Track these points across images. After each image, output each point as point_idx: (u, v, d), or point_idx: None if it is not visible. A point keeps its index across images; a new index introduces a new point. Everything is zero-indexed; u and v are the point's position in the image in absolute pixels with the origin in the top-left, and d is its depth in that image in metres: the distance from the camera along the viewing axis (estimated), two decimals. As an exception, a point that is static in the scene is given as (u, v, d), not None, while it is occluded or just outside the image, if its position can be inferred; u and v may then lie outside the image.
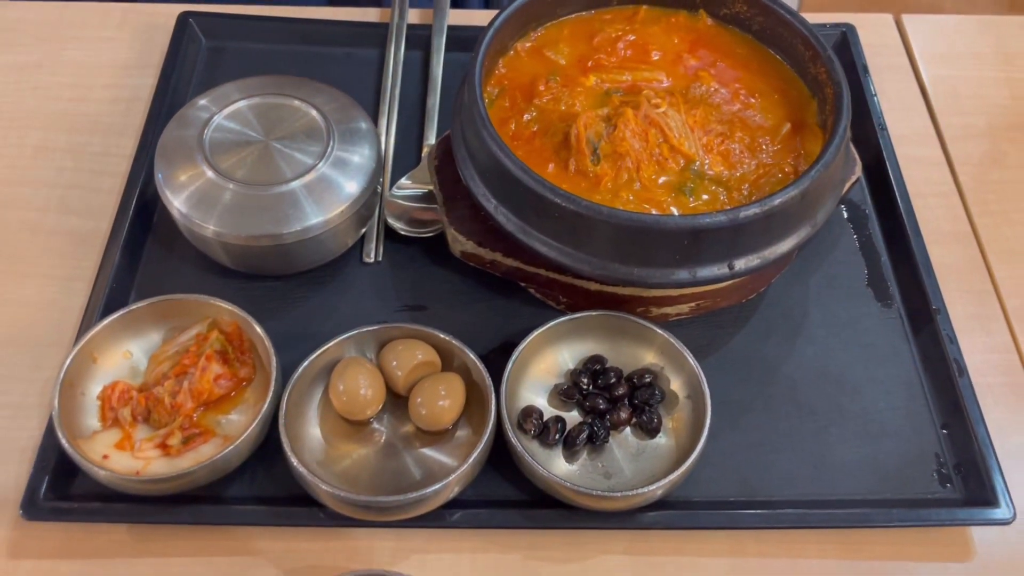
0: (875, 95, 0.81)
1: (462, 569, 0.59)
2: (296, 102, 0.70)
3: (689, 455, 0.59)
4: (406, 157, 0.79)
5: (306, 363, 0.61)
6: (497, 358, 0.63)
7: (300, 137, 0.68)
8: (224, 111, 0.68)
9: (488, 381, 0.61)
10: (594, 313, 0.65)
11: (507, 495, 0.61)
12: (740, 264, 0.62)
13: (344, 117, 0.70)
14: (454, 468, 0.57)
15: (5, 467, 0.62)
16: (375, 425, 0.63)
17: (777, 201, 0.60)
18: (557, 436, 0.62)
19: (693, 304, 0.68)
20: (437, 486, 0.56)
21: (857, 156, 0.73)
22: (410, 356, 0.63)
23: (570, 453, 0.62)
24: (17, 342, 0.68)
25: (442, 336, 0.63)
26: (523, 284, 0.71)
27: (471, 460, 0.57)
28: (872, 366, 0.68)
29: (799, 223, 0.63)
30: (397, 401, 0.64)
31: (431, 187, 0.73)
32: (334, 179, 0.67)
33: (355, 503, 0.56)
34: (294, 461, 0.57)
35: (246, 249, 0.66)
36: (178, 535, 0.60)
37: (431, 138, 0.79)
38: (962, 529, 0.61)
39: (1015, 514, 0.59)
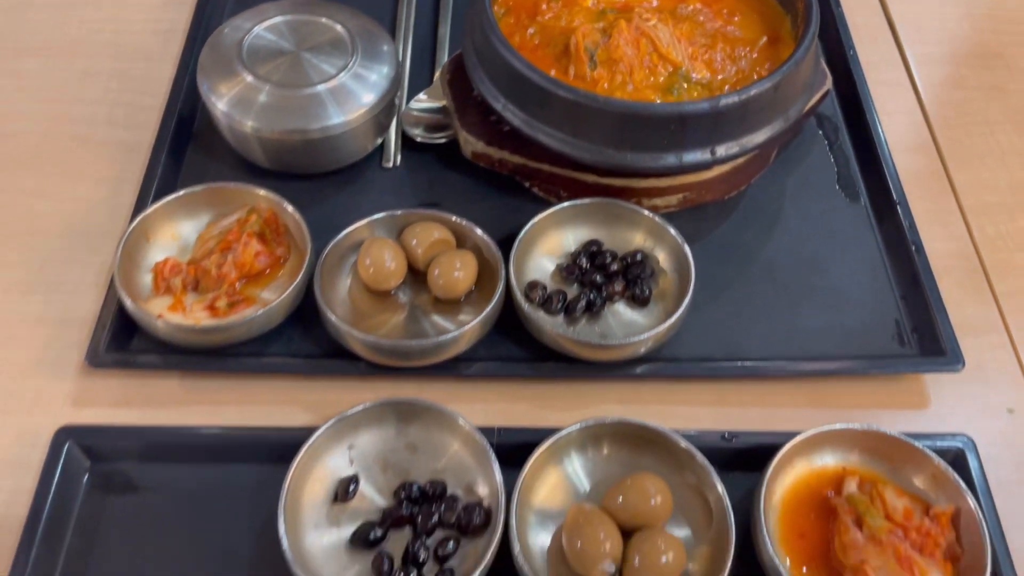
0: (846, 25, 0.90)
1: (476, 416, 0.66)
2: (324, 19, 0.78)
3: (676, 323, 0.67)
4: (420, 78, 0.86)
5: (338, 238, 0.69)
6: (505, 245, 0.70)
7: (327, 49, 0.76)
8: (261, 25, 0.76)
9: (498, 255, 0.69)
10: (592, 200, 0.73)
11: (516, 354, 0.69)
12: (721, 150, 0.70)
13: (367, 36, 0.78)
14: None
15: (68, 333, 0.70)
16: (397, 296, 0.71)
17: (753, 91, 0.68)
18: (559, 305, 0.70)
19: (680, 196, 0.76)
20: (455, 332, 0.64)
21: (828, 71, 0.81)
22: (428, 235, 0.70)
23: (570, 320, 0.70)
24: (74, 232, 0.76)
25: (455, 220, 0.71)
26: (527, 184, 0.79)
27: (484, 314, 0.65)
28: (840, 250, 0.76)
29: (773, 115, 0.71)
30: (417, 277, 0.71)
31: (444, 102, 0.81)
32: (354, 88, 0.75)
33: (381, 348, 0.64)
34: (328, 313, 0.65)
35: (279, 144, 0.74)
36: (224, 387, 0.67)
37: (443, 61, 0.87)
38: (918, 381, 0.69)
39: (964, 364, 0.67)
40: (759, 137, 0.71)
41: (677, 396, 0.68)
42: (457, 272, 0.69)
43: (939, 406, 0.68)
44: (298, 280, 0.67)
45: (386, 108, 0.77)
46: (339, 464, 0.61)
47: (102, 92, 0.86)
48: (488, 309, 0.66)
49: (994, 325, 0.72)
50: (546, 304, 0.70)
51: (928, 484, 0.60)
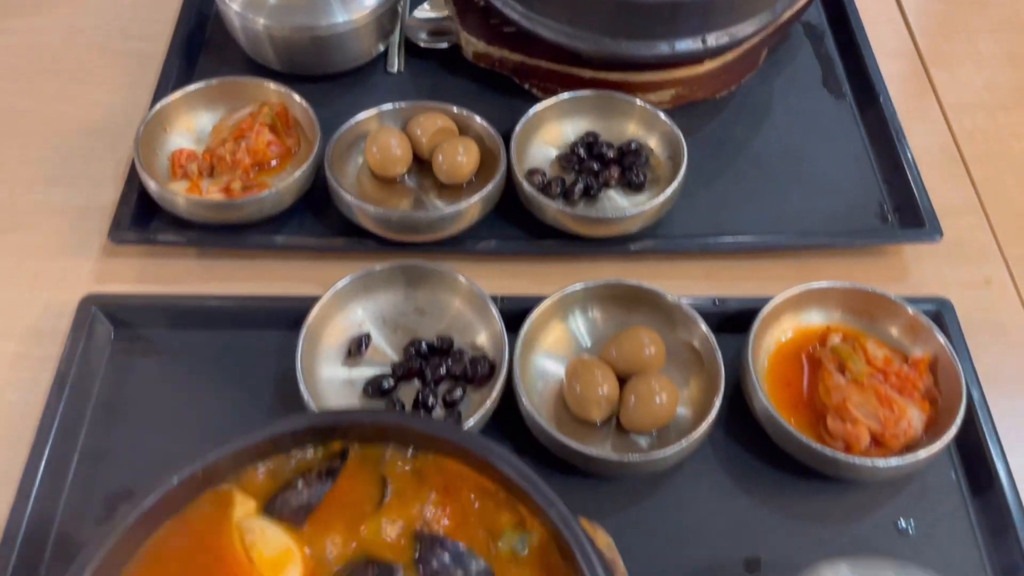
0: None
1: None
2: (329, -73, 0.82)
3: (670, 200, 0.70)
4: (422, -7, 0.90)
5: (346, 126, 0.73)
6: (506, 141, 0.73)
7: (333, -45, 0.80)
8: (270, -69, 0.80)
9: (499, 142, 0.73)
10: (589, 92, 0.76)
11: (517, 233, 0.72)
12: (712, 39, 0.74)
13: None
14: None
15: (90, 219, 0.73)
16: (404, 182, 0.74)
17: (742, -20, 0.71)
18: (558, 189, 0.73)
19: (673, 91, 0.79)
20: (460, 205, 0.68)
21: (813, -23, 0.85)
22: (431, 123, 0.74)
23: (569, 203, 0.73)
24: (93, 132, 0.79)
25: (456, 110, 0.75)
26: (526, 85, 0.82)
27: (487, 190, 0.69)
28: (826, 143, 0.79)
29: (761, 7, 0.75)
30: (422, 166, 0.75)
31: (445, 12, 0.84)
32: (358, -10, 0.79)
33: (390, 221, 0.68)
34: (338, 189, 0.68)
35: (289, 42, 0.78)
36: (240, 267, 0.71)
37: (444, -24, 0.90)
38: (899, 256, 0.73)
39: (942, 234, 0.71)
40: (748, 28, 0.74)
41: (670, 271, 0.72)
42: (460, 157, 0.72)
43: (919, 278, 0.72)
44: (309, 161, 0.70)
45: (389, 12, 0.81)
46: (352, 324, 0.65)
47: (117, 7, 0.89)
48: (490, 186, 0.69)
49: (972, 207, 0.76)
50: (545, 189, 0.73)
51: (908, 336, 0.64)
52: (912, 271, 0.72)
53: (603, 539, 0.52)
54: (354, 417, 0.49)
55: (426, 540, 0.46)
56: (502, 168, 0.71)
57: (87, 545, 0.43)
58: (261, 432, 0.48)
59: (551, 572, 0.46)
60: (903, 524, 0.59)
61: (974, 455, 0.61)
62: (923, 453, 0.56)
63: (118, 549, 0.44)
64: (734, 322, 0.66)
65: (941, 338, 0.62)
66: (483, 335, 0.64)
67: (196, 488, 0.47)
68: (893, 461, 0.56)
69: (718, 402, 0.59)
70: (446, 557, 0.46)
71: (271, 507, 0.47)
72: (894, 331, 0.64)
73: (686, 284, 0.71)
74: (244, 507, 0.47)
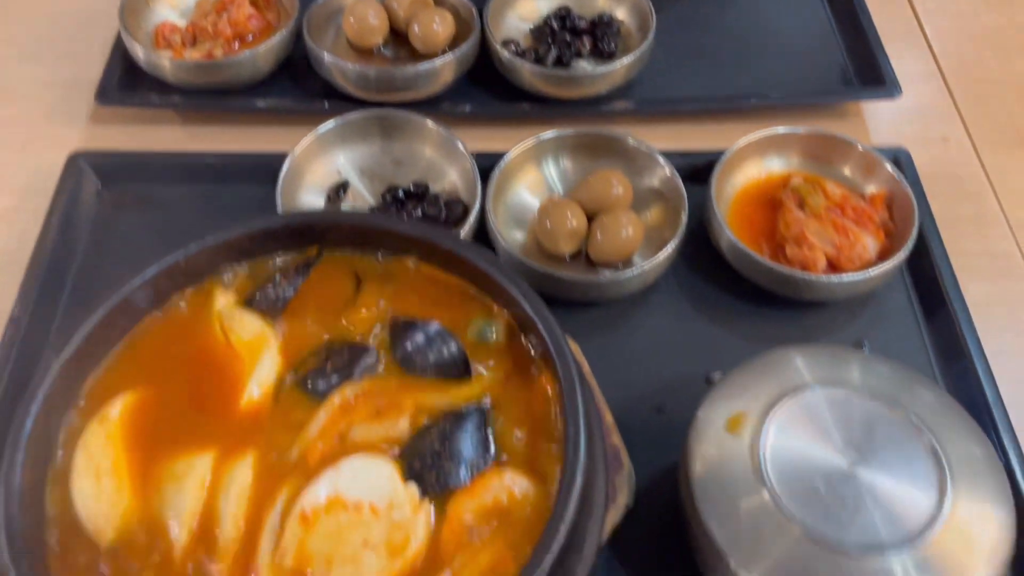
0: None
1: (455, 152, 0.72)
2: None
3: (640, 60, 0.73)
4: None
5: (323, -3, 0.75)
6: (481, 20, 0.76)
7: None
8: None
9: (474, 12, 0.75)
10: (560, -32, 0.79)
11: (492, 98, 0.75)
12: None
13: None
14: (447, 67, 0.71)
15: (77, 92, 0.75)
16: (380, 53, 0.76)
17: None
18: (531, 58, 0.75)
19: (643, -29, 0.82)
20: (436, 62, 0.70)
21: None
22: (408, -5, 0.76)
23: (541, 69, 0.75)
24: (77, 17, 0.82)
25: (433, -16, 0.77)
26: (502, -30, 0.84)
27: (461, 50, 0.71)
28: (792, 20, 0.83)
29: None
30: (399, 38, 0.77)
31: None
32: None
33: (367, 78, 0.70)
34: (316, 49, 0.70)
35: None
36: (223, 134, 0.73)
37: None
38: (860, 117, 0.75)
39: (902, 91, 0.73)
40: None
41: (640, 134, 0.73)
42: (436, 26, 0.74)
43: (879, 136, 0.74)
44: (289, 27, 0.73)
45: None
46: (331, 172, 0.67)
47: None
48: (465, 46, 0.72)
49: (932, 75, 0.79)
50: (520, 57, 0.75)
51: (865, 176, 0.66)
52: (872, 130, 0.75)
53: (571, 345, 0.54)
54: (329, 218, 0.52)
55: (400, 324, 0.48)
56: (476, 30, 0.73)
57: (71, 325, 0.45)
58: (239, 228, 0.50)
59: (518, 358, 0.48)
60: (860, 346, 0.61)
61: (927, 281, 0.63)
62: (876, 270, 0.59)
63: (102, 331, 0.47)
64: (699, 174, 0.68)
65: (897, 175, 0.64)
66: (457, 181, 0.66)
67: (178, 281, 0.49)
68: (847, 277, 0.59)
69: (683, 221, 0.61)
70: (420, 337, 0.48)
71: (250, 301, 0.50)
72: (852, 173, 0.67)
73: (656, 145, 0.73)
74: (224, 300, 0.50)
